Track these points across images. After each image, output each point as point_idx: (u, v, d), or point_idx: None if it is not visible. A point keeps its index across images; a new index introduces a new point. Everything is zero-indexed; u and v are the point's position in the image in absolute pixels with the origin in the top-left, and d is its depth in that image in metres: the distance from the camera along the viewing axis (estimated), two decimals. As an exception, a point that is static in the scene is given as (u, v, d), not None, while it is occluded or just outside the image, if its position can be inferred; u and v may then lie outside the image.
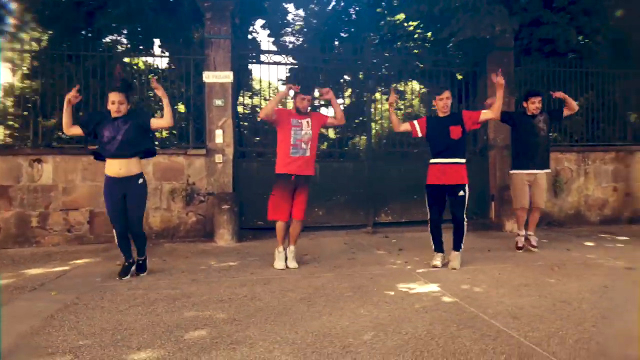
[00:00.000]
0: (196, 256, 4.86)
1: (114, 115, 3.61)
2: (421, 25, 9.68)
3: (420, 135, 4.24)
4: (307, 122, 4.18)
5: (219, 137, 5.99)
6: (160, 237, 5.88)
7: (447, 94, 4.12)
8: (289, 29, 15.59)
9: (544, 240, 5.45)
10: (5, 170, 5.53)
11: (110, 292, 3.33)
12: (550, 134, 7.40)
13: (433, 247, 4.22)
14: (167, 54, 6.38)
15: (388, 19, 11.03)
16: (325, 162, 6.82)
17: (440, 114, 4.18)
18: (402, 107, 15.38)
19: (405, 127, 4.31)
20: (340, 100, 15.36)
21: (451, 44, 7.91)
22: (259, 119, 4.38)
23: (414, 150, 7.30)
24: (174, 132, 6.40)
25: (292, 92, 4.30)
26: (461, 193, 4.01)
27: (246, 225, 6.16)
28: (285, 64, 7.10)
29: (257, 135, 9.56)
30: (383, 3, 11.26)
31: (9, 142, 6.65)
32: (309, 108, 4.30)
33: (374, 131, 8.20)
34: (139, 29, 9.72)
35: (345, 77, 14.88)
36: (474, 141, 7.28)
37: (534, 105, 4.77)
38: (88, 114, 4.18)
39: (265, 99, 8.97)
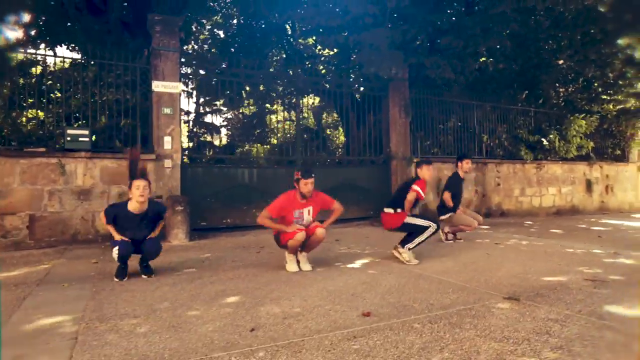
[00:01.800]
0: (164, 253, 5.26)
1: (139, 200, 3.80)
2: (333, 52, 11.08)
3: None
4: (309, 210, 4.21)
5: (167, 143, 6.37)
6: (108, 239, 5.97)
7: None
8: (191, 38, 15.69)
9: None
10: None
11: (118, 281, 3.74)
12: (432, 150, 9.51)
13: None
14: (111, 60, 6.37)
15: (300, 40, 12.21)
16: (262, 169, 7.65)
17: None
18: (294, 118, 16.78)
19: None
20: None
21: (356, 70, 9.45)
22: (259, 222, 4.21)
23: (333, 159, 8.56)
24: (120, 136, 6.48)
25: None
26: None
27: (192, 227, 6.62)
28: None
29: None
30: (289, 24, 12.36)
31: None
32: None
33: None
34: (41, 22, 9.18)
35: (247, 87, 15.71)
36: (380, 152, 8.88)
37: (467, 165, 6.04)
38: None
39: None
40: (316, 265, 4.39)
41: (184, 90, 9.54)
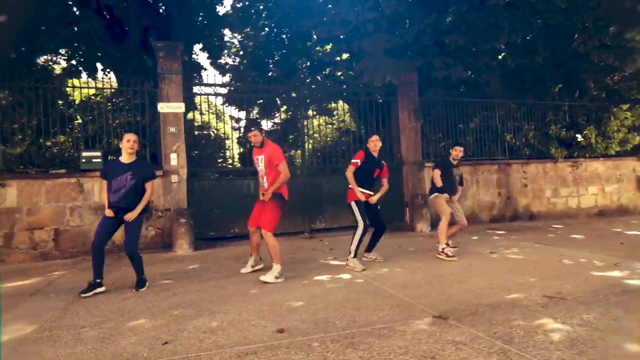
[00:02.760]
0: (162, 263, 5.73)
1: (128, 151, 4.28)
2: (347, 57, 11.15)
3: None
4: (261, 159, 4.62)
5: (173, 159, 6.87)
6: (123, 249, 6.59)
7: (375, 137, 5.13)
8: (226, 51, 16.51)
9: (474, 238, 6.95)
10: (-29, 195, 5.97)
11: (59, 304, 4.18)
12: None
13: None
14: (122, 85, 7.08)
15: (317, 48, 12.40)
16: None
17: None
18: (334, 122, 16.95)
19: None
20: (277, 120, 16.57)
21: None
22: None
23: (341, 166, 8.65)
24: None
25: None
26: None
27: (200, 236, 7.08)
28: (223, 94, 8.14)
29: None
30: (313, 33, 12.64)
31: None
32: (260, 142, 4.63)
33: (309, 147, 9.44)
34: (81, 53, 10.23)
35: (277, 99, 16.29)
36: (391, 158, 8.80)
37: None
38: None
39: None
40: (291, 275, 4.57)
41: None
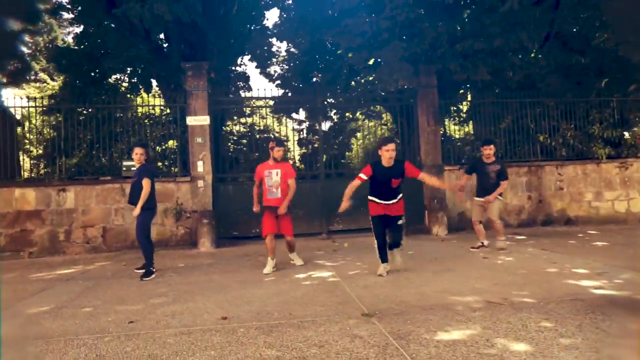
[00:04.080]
0: (182, 258, 6.56)
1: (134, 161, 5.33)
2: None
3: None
4: (277, 172, 5.28)
5: (200, 167, 7.71)
6: (157, 245, 7.57)
7: (392, 145, 4.64)
8: (274, 60, 17.46)
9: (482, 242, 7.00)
10: (39, 198, 7.32)
11: (115, 280, 5.04)
12: (477, 154, 9.09)
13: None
14: (162, 102, 8.14)
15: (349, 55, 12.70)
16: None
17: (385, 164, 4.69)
18: (386, 124, 17.08)
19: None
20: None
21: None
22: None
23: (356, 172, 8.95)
24: (166, 162, 8.13)
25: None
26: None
27: (224, 235, 7.85)
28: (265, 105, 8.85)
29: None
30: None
31: (41, 176, 8.44)
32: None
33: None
34: (138, 71, 11.66)
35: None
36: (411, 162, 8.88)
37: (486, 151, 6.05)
38: None
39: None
40: (276, 272, 5.09)
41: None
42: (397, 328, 3.00)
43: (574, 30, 9.97)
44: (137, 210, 5.07)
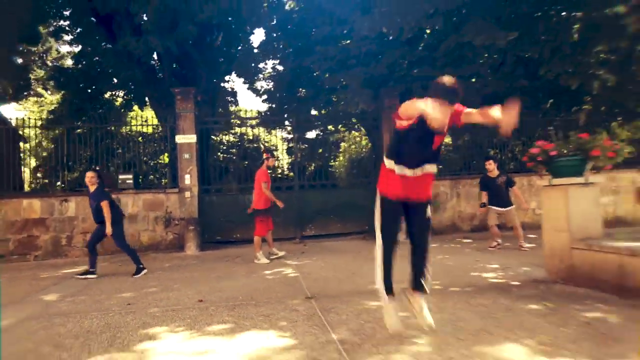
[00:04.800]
0: (170, 260, 7.58)
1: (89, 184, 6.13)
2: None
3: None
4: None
5: (187, 179, 8.76)
6: (148, 249, 8.60)
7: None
8: (261, 75, 18.61)
9: (434, 245, 8.09)
10: (44, 207, 8.31)
11: (112, 277, 6.05)
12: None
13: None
14: (154, 120, 9.21)
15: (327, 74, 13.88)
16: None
17: None
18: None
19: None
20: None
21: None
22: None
23: (329, 183, 10.06)
24: (157, 175, 9.18)
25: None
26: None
27: (209, 240, 8.89)
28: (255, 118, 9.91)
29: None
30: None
31: (43, 187, 9.44)
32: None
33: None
34: (133, 89, 12.70)
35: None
36: (375, 173, 10.02)
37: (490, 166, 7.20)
38: None
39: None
40: (248, 269, 6.14)
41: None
42: (326, 305, 4.06)
43: (526, 56, 11.20)
44: (109, 229, 6.06)
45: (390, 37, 8.54)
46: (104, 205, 6.05)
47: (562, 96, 11.11)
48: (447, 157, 10.46)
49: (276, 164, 18.00)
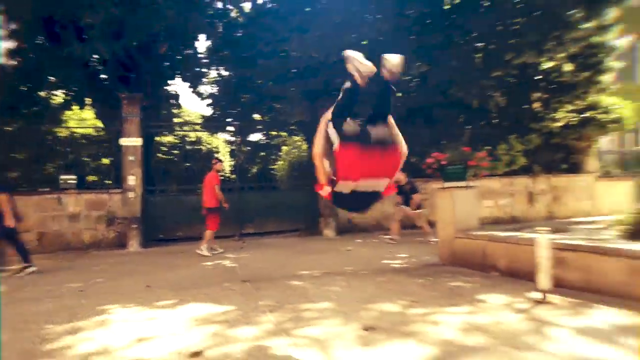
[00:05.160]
0: (109, 257, 8.01)
1: None
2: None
3: None
4: None
5: (131, 180, 9.18)
6: (90, 247, 8.91)
7: None
8: (205, 80, 19.00)
9: (358, 240, 9.16)
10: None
11: (60, 271, 6.46)
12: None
13: None
14: (97, 122, 9.49)
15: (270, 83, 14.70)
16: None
17: None
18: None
19: None
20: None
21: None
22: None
23: (270, 185, 10.91)
24: (100, 176, 9.49)
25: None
26: None
27: (152, 238, 9.36)
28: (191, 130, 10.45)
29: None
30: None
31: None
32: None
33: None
34: (73, 89, 12.67)
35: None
36: (311, 176, 11.00)
37: None
38: None
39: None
40: (192, 262, 6.81)
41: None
42: (258, 285, 4.93)
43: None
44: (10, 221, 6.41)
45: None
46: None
47: (473, 112, 12.84)
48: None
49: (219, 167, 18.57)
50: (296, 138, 20.59)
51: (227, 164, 21.62)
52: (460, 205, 5.99)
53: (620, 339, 2.69)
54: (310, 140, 11.47)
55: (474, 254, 5.47)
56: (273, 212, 10.53)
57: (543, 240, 3.67)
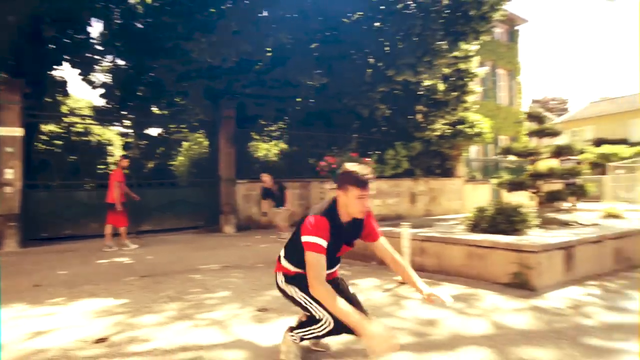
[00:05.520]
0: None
1: None
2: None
3: None
4: None
5: (9, 174, 8.39)
6: (-45, 248, 7.94)
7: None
8: (98, 68, 17.64)
9: (257, 237, 9.48)
10: None
11: None
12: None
13: None
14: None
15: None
16: (102, 189, 9.76)
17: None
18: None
19: None
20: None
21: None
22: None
23: (168, 181, 10.81)
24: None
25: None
26: None
27: (33, 237, 8.65)
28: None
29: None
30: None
31: None
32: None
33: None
34: None
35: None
36: (212, 174, 11.14)
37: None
38: None
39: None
40: (85, 260, 6.59)
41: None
42: (158, 279, 5.11)
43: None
44: None
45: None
46: None
47: (366, 119, 14.15)
48: (274, 163, 12.29)
49: (111, 160, 17.45)
50: (197, 135, 20.26)
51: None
52: (348, 204, 6.81)
53: (453, 305, 3.60)
54: (211, 138, 11.60)
55: (359, 246, 6.30)
56: (172, 209, 10.44)
57: (405, 233, 4.56)
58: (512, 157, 17.50)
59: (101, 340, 3.00)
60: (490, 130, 15.38)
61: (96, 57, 17.36)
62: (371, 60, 11.29)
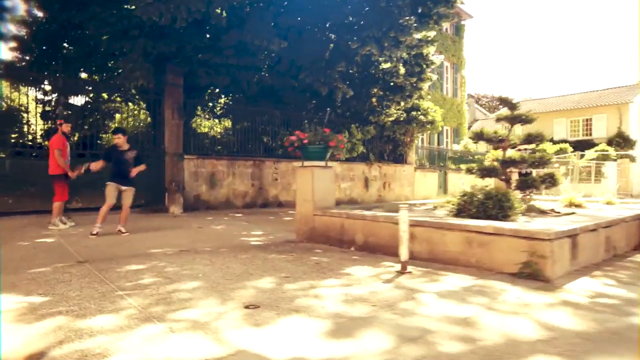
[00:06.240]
0: None
1: None
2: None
3: None
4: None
5: None
6: None
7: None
8: (9, 16, 15.04)
9: (209, 218, 8.48)
10: None
11: None
12: (217, 148, 10.79)
13: None
14: None
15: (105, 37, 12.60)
16: (17, 159, 8.19)
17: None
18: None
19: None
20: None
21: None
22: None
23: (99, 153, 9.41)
24: None
25: None
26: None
27: None
28: None
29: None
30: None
31: None
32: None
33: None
34: None
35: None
36: (157, 149, 9.93)
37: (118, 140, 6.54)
38: None
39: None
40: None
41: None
42: (101, 267, 4.16)
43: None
44: None
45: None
46: None
47: (322, 99, 13.53)
48: (225, 139, 11.29)
49: (28, 130, 15.27)
50: (133, 106, 18.27)
51: (38, 127, 17.77)
52: (319, 184, 6.21)
53: (471, 298, 3.17)
54: (151, 109, 10.30)
55: (332, 230, 5.76)
56: (105, 185, 9.07)
57: (404, 216, 4.07)
58: (461, 147, 17.85)
59: (36, 357, 2.14)
60: (440, 119, 15.55)
61: (7, 3, 14.86)
62: (332, 36, 10.65)
